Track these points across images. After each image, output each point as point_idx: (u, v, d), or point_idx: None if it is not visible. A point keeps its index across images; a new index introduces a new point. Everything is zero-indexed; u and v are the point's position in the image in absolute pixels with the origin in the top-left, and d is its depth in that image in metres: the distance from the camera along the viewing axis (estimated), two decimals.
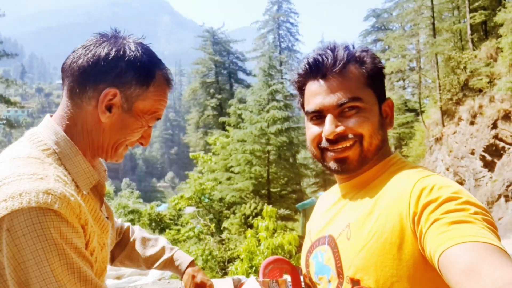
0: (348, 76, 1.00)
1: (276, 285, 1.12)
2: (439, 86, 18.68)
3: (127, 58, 0.95)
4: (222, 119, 25.53)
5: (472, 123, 16.11)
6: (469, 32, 18.45)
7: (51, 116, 0.99)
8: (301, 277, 1.69)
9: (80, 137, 0.96)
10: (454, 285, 0.73)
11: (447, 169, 16.91)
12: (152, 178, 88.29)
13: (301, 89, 1.11)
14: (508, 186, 12.99)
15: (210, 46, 32.69)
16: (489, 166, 14.84)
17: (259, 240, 7.49)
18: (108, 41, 0.97)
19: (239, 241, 13.96)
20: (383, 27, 31.04)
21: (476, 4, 18.35)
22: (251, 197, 18.16)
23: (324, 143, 1.02)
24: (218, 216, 17.93)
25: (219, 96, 31.50)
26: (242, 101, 23.06)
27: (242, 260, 7.29)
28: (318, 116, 1.03)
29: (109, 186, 34.02)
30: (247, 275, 6.28)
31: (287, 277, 1.32)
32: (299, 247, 7.55)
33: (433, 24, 19.82)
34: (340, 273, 0.98)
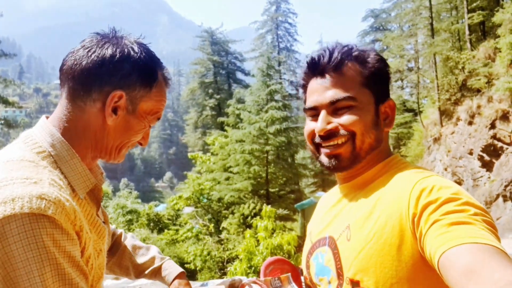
0: (344, 74, 1.02)
1: (279, 282, 1.12)
2: (438, 86, 18.71)
3: (132, 59, 0.94)
4: (220, 119, 25.54)
5: (470, 123, 16.15)
6: (467, 32, 18.48)
7: (47, 117, 0.97)
8: (302, 278, 1.68)
9: (79, 140, 0.94)
10: (454, 286, 0.73)
11: (445, 169, 16.94)
12: (151, 178, 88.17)
13: (304, 87, 1.14)
14: (506, 186, 13.02)
15: (208, 46, 32.67)
16: (487, 166, 14.87)
17: (258, 240, 7.50)
18: (109, 41, 0.96)
19: (238, 241, 13.97)
20: (381, 28, 31.09)
21: (474, 4, 18.39)
22: (249, 197, 18.16)
23: (317, 139, 1.05)
24: (217, 216, 17.93)
25: (218, 96, 31.48)
26: (240, 101, 23.06)
27: (241, 260, 7.29)
28: (314, 114, 1.06)
29: (107, 187, 33.96)
30: (246, 275, 6.28)
31: (289, 274, 1.32)
32: (298, 247, 7.56)
33: (431, 24, 19.86)
34: (340, 274, 0.98)
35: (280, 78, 27.43)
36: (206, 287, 1.29)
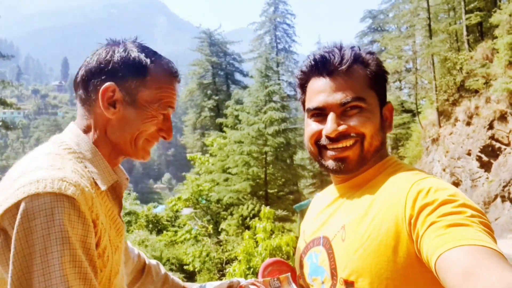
0: (353, 76, 1.01)
1: (278, 282, 1.12)
2: (436, 87, 18.75)
3: (117, 54, 1.01)
4: (219, 120, 25.50)
5: (468, 123, 16.18)
6: (465, 33, 18.54)
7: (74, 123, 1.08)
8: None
9: (99, 141, 1.02)
10: None
11: (444, 170, 16.97)
12: (149, 179, 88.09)
13: (303, 86, 1.12)
14: (504, 187, 13.05)
15: (206, 48, 32.64)
16: (486, 166, 14.90)
17: (256, 242, 7.49)
18: (105, 47, 1.04)
19: (237, 243, 13.94)
20: (379, 28, 31.13)
21: (472, 5, 18.44)
22: (248, 198, 18.15)
23: (324, 141, 1.02)
24: (216, 217, 17.91)
25: (216, 97, 31.44)
26: (239, 102, 23.03)
27: (240, 261, 7.28)
28: (319, 114, 1.03)
29: None
30: (245, 277, 6.27)
31: (288, 274, 1.32)
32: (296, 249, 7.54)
33: (429, 25, 19.91)
34: (334, 275, 0.98)
35: (279, 79, 27.40)
36: None
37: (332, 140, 1.01)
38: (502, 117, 14.52)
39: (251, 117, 19.25)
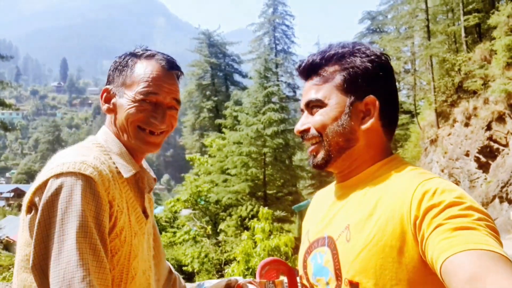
0: (321, 76, 1.05)
1: (273, 286, 1.14)
2: (434, 88, 18.80)
3: (112, 63, 1.22)
4: (218, 121, 25.54)
5: (466, 124, 16.23)
6: (463, 34, 18.59)
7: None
8: (298, 278, 1.69)
9: (119, 137, 1.17)
10: None
11: (442, 171, 17.00)
12: None
13: None
14: (502, 187, 13.09)
15: (206, 48, 32.66)
16: (484, 167, 14.95)
17: (255, 242, 7.50)
18: None
19: (236, 243, 13.94)
20: (378, 30, 31.21)
21: (470, 6, 18.50)
22: (247, 199, 18.17)
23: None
24: (214, 218, 17.91)
25: (215, 98, 31.46)
26: (238, 103, 23.06)
27: (238, 262, 7.30)
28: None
29: None
30: (244, 277, 6.29)
31: (284, 278, 1.32)
32: (295, 249, 7.57)
33: (428, 26, 19.95)
34: (338, 275, 0.97)
35: (278, 80, 27.46)
36: (203, 286, 1.31)
37: (301, 138, 1.08)
38: (500, 118, 14.57)
39: (250, 118, 19.28)
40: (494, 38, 15.28)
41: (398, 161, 1.06)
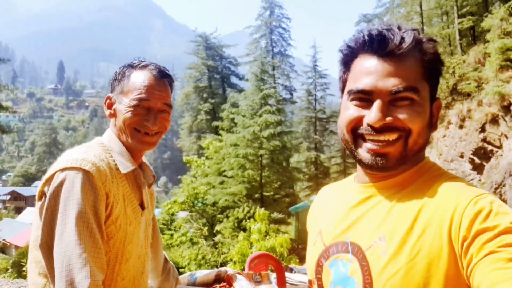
0: (409, 63, 0.88)
1: (259, 277, 1.21)
2: None
3: (114, 73, 1.39)
4: (215, 123, 25.57)
5: (461, 126, 16.38)
6: (457, 37, 18.77)
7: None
8: (287, 274, 1.78)
9: (120, 138, 1.33)
10: None
11: None
12: None
13: (347, 63, 0.97)
14: (496, 189, 13.21)
15: (203, 51, 32.71)
16: (478, 169, 15.09)
17: (251, 243, 7.57)
18: None
19: (232, 245, 13.99)
20: None
21: (465, 9, 18.69)
22: (244, 201, 18.21)
23: (363, 129, 0.89)
24: (211, 220, 17.94)
25: (212, 101, 31.51)
26: (235, 105, 23.12)
27: (235, 262, 7.36)
28: (363, 98, 0.90)
29: None
30: None
31: (273, 274, 1.40)
32: (290, 250, 7.63)
33: (423, 29, 20.13)
34: None
35: (274, 83, 27.55)
36: (195, 276, 1.40)
37: (374, 130, 0.88)
38: (494, 120, 14.73)
39: (247, 120, 19.35)
40: (488, 41, 15.45)
41: (432, 165, 0.95)
